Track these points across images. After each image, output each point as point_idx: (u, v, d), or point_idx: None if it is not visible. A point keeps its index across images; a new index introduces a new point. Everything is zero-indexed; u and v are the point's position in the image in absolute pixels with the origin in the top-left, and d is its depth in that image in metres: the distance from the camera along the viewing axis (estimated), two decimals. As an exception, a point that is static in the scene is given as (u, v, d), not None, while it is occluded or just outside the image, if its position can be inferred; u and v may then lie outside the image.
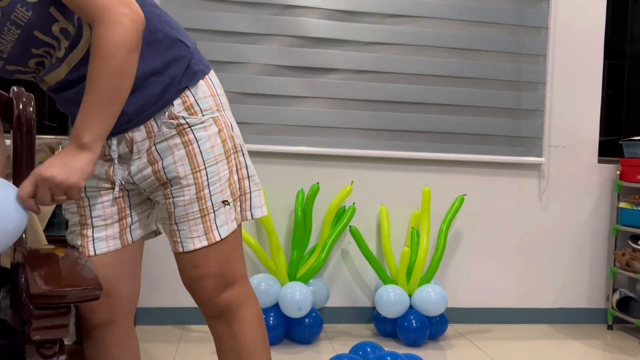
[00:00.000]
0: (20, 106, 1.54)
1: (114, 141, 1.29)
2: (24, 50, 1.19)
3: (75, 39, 1.20)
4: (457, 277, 3.21)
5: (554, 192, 3.29)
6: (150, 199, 1.41)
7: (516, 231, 3.26)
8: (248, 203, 1.38)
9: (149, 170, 1.30)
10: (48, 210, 2.11)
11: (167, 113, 1.27)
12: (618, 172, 3.23)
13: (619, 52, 3.67)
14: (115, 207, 1.34)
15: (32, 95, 1.59)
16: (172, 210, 1.31)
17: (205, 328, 2.95)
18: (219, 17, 2.89)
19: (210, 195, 1.31)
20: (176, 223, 1.32)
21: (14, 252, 1.45)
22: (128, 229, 1.36)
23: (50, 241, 1.90)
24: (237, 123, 1.32)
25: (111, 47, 1.12)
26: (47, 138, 2.74)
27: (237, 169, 1.36)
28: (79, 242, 1.33)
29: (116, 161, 1.30)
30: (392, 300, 2.79)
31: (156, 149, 1.29)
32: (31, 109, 1.56)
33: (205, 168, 1.30)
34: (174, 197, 1.31)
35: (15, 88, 1.57)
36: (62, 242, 2.09)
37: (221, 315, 1.38)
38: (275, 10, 2.99)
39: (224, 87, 2.87)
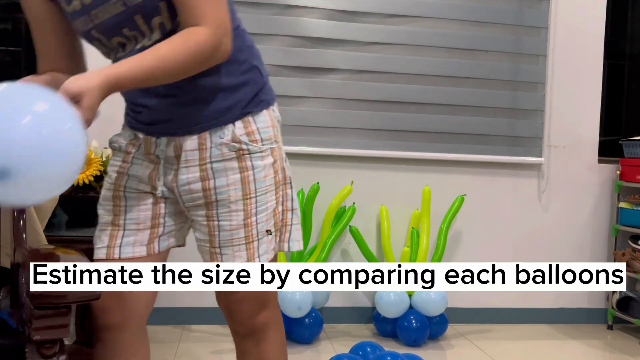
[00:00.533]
0: (20, 106, 1.54)
1: (163, 140, 1.29)
2: (117, 28, 1.21)
3: (167, 36, 1.20)
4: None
5: (553, 192, 3.29)
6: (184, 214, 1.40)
7: (516, 231, 3.26)
8: (287, 235, 1.39)
9: (198, 185, 1.29)
10: (48, 210, 2.11)
11: (229, 134, 1.27)
12: (618, 172, 3.23)
13: (619, 52, 3.67)
14: (150, 213, 1.34)
15: (32, 95, 1.58)
16: (216, 233, 1.30)
17: (205, 328, 2.95)
18: (219, 17, 2.89)
19: (257, 224, 1.31)
20: (219, 247, 1.31)
21: (14, 252, 1.45)
22: (157, 239, 1.35)
23: (50, 241, 1.90)
24: None
25: (196, 48, 1.15)
26: (47, 138, 2.74)
27: (283, 200, 1.37)
28: (106, 242, 1.31)
29: (161, 162, 1.31)
30: (392, 300, 2.79)
31: (212, 167, 1.28)
32: (31, 109, 1.55)
33: (256, 196, 1.30)
34: (219, 220, 1.30)
35: (15, 88, 1.57)
36: (62, 242, 2.09)
37: (252, 334, 1.39)
38: (275, 10, 2.99)
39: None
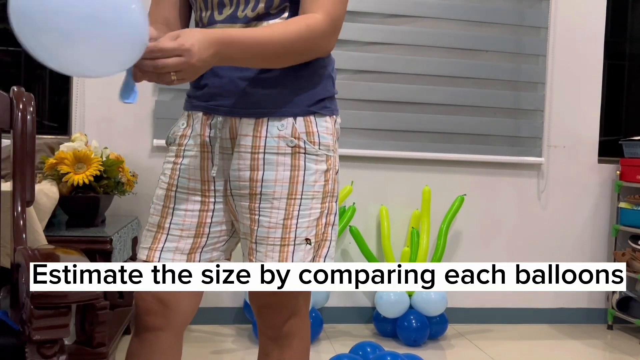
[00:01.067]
0: (21, 106, 1.54)
1: (219, 121, 1.26)
2: None
3: (270, 17, 1.22)
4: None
5: (553, 192, 3.29)
6: (233, 225, 1.35)
7: (516, 231, 3.26)
8: (325, 250, 1.33)
9: (247, 174, 1.25)
10: (48, 210, 2.11)
11: (289, 128, 1.24)
12: (618, 172, 3.23)
13: (619, 52, 3.67)
14: (196, 220, 1.29)
15: (32, 95, 1.58)
16: (255, 228, 1.26)
17: (205, 328, 2.95)
18: (219, 17, 2.89)
19: (296, 228, 1.26)
20: (256, 242, 1.27)
21: (14, 252, 1.45)
22: (200, 250, 1.30)
23: (50, 241, 1.90)
24: None
25: (307, 31, 1.16)
26: (47, 138, 2.74)
27: (327, 213, 1.32)
28: (149, 244, 1.29)
29: (216, 144, 1.27)
30: (392, 300, 2.79)
31: (264, 158, 1.24)
32: (31, 108, 1.56)
33: (301, 199, 1.26)
34: (260, 215, 1.26)
35: (15, 88, 1.57)
36: (62, 242, 2.09)
37: (278, 339, 1.37)
38: (275, 10, 2.99)
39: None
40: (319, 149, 1.27)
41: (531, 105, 3.23)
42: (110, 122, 2.88)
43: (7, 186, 1.60)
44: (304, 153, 1.25)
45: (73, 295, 1.07)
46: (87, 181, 2.25)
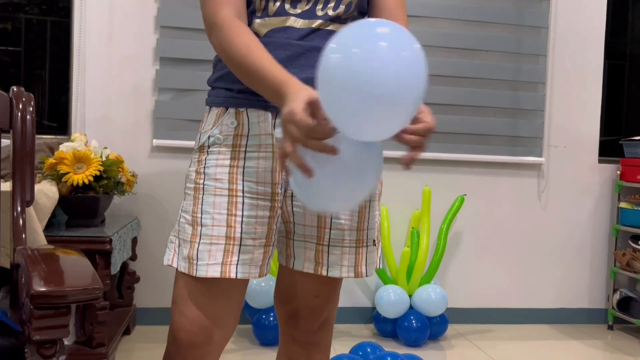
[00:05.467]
0: (20, 106, 1.54)
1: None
2: None
3: (343, 19, 1.19)
4: (457, 277, 3.21)
5: (553, 192, 3.29)
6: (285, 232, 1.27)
7: (516, 231, 3.26)
8: (380, 251, 1.33)
9: None
10: (48, 210, 2.11)
11: None
12: (618, 172, 3.22)
13: (619, 52, 3.67)
14: (266, 228, 1.17)
15: (32, 95, 1.58)
16: (327, 230, 1.20)
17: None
18: (218, 17, 2.89)
19: (368, 230, 1.24)
20: (328, 245, 1.21)
21: (14, 252, 1.44)
22: (268, 260, 1.20)
23: (50, 241, 1.90)
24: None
25: None
26: (47, 138, 2.74)
27: (379, 214, 1.31)
28: (220, 259, 1.13)
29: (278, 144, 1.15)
30: (392, 300, 2.79)
31: None
32: (31, 108, 1.56)
33: (370, 202, 1.24)
34: (333, 217, 1.20)
35: (15, 88, 1.57)
36: (62, 242, 2.09)
37: (308, 345, 1.33)
38: (275, 10, 2.99)
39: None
40: None
41: (531, 105, 3.23)
42: (110, 122, 2.88)
43: (7, 186, 1.59)
44: None
45: (73, 295, 1.06)
46: (86, 181, 2.25)
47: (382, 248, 2.96)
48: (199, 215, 1.15)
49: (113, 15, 2.86)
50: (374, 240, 1.26)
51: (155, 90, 2.90)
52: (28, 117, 1.55)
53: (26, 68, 3.14)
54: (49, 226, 2.25)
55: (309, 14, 1.16)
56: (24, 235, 1.49)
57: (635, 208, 3.10)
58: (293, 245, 1.23)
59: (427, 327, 2.82)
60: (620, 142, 3.33)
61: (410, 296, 2.88)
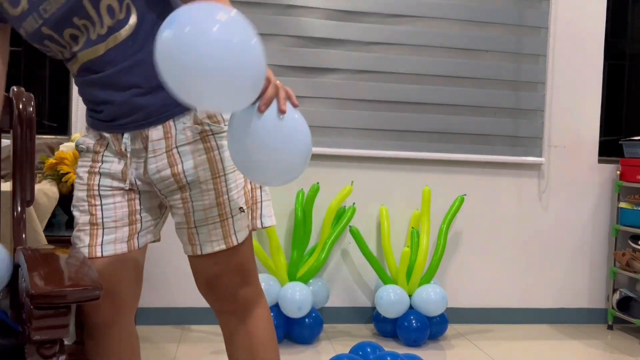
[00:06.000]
0: (20, 106, 1.54)
1: (128, 136, 1.31)
2: (68, 18, 1.22)
3: (120, 23, 1.23)
4: (457, 277, 3.21)
5: (554, 192, 3.29)
6: (160, 207, 1.43)
7: (516, 231, 3.26)
8: (259, 212, 1.42)
9: (167, 172, 1.31)
10: (48, 210, 2.11)
11: (190, 118, 1.31)
12: (618, 172, 3.22)
13: (619, 52, 3.67)
14: (127, 210, 1.36)
15: (32, 95, 1.58)
16: (191, 213, 1.33)
17: (205, 328, 2.95)
18: (219, 17, 2.89)
19: (229, 202, 1.34)
20: (195, 227, 1.34)
21: (14, 252, 1.44)
22: (136, 235, 1.37)
23: (50, 241, 1.90)
24: None
25: None
26: (47, 138, 2.74)
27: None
28: (87, 242, 1.32)
29: (129, 155, 1.32)
30: (392, 300, 2.79)
31: (178, 152, 1.31)
32: (31, 108, 1.56)
33: (225, 175, 1.33)
34: (193, 201, 1.33)
35: (15, 88, 1.57)
36: (62, 242, 2.09)
37: (236, 312, 1.42)
38: (275, 10, 2.99)
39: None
40: (225, 125, 1.33)
41: (531, 105, 3.23)
42: (110, 122, 2.88)
43: (7, 186, 1.59)
44: (212, 134, 1.32)
45: (73, 295, 1.06)
46: (87, 181, 2.25)
47: (382, 248, 2.97)
48: (72, 209, 1.38)
49: (113, 15, 2.86)
50: (241, 208, 1.36)
51: (156, 90, 2.90)
52: (28, 117, 1.55)
53: (26, 68, 3.14)
54: (49, 226, 2.25)
55: (87, 45, 1.26)
56: (24, 235, 1.49)
57: (635, 208, 3.10)
58: (179, 234, 1.39)
59: (427, 327, 2.82)
60: (620, 142, 3.33)
61: (410, 296, 2.88)
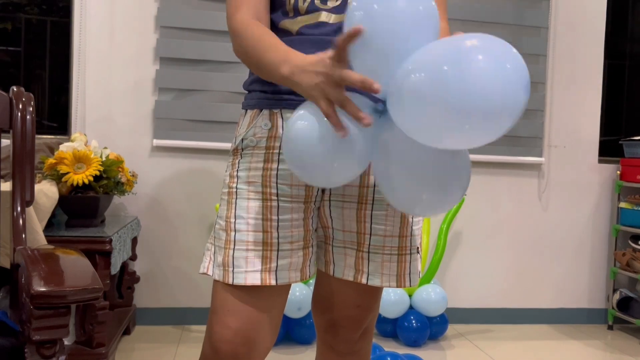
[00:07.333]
0: (20, 106, 1.54)
1: None
2: None
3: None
4: (457, 277, 3.21)
5: (554, 192, 3.29)
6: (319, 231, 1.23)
7: (516, 231, 3.26)
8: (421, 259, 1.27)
9: (357, 178, 1.13)
10: (48, 210, 2.11)
11: None
12: (618, 172, 3.22)
13: (619, 52, 3.67)
14: (302, 229, 1.14)
15: (31, 95, 1.58)
16: (367, 236, 1.15)
17: (205, 328, 2.95)
18: (218, 17, 2.89)
19: (411, 236, 1.17)
20: (368, 252, 1.15)
21: (14, 252, 1.44)
22: (309, 262, 1.16)
23: (50, 241, 1.90)
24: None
25: None
26: (47, 138, 2.74)
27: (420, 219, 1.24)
28: (258, 266, 1.09)
29: None
30: (392, 300, 2.79)
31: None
32: (31, 108, 1.56)
33: None
34: (372, 223, 1.15)
35: (15, 88, 1.57)
36: (62, 242, 2.09)
37: (348, 354, 1.28)
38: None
39: (225, 87, 2.86)
40: None
41: (531, 105, 3.23)
42: (110, 122, 2.88)
43: (6, 186, 1.59)
44: None
45: (72, 295, 1.06)
46: (86, 181, 2.25)
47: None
48: (233, 220, 1.11)
49: (113, 15, 2.86)
50: (418, 248, 1.20)
51: (156, 90, 2.90)
52: (28, 117, 1.55)
53: (26, 68, 3.14)
54: (49, 226, 2.25)
55: (340, 9, 1.12)
56: (24, 235, 1.49)
57: (635, 208, 3.10)
58: (332, 251, 1.19)
59: (427, 327, 2.82)
60: (620, 142, 3.33)
61: (410, 296, 2.88)
